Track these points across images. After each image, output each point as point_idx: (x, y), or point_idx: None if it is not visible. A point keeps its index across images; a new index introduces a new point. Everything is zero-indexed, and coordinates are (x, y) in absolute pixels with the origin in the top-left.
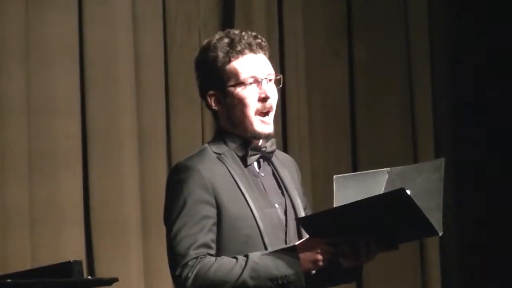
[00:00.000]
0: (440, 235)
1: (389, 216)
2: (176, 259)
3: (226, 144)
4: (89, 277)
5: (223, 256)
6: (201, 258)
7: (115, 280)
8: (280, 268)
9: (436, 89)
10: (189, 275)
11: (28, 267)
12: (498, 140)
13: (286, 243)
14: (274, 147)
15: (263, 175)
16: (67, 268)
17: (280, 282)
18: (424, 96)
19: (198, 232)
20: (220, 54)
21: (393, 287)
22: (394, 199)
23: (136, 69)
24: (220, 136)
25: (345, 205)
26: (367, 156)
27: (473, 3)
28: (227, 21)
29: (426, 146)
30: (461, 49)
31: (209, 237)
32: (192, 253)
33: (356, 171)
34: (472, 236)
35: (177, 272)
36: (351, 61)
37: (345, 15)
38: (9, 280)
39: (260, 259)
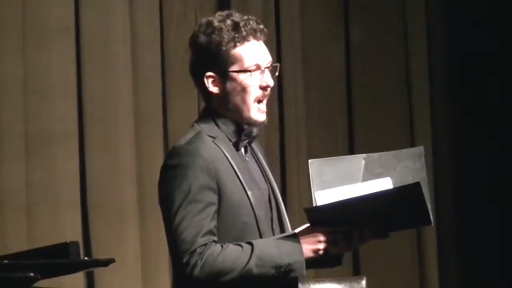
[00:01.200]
0: (432, 225)
1: (397, 208)
2: (183, 246)
3: (218, 127)
4: (86, 258)
5: (228, 244)
6: (208, 246)
7: (112, 261)
8: (283, 256)
9: (433, 72)
10: (198, 262)
11: (25, 248)
12: (498, 123)
13: (272, 229)
14: (257, 132)
15: (248, 159)
16: (64, 249)
17: (283, 270)
18: (421, 79)
19: (204, 219)
20: (225, 38)
21: (391, 283)
22: (409, 192)
23: (132, 50)
24: (211, 118)
25: (359, 197)
26: (363, 138)
27: None
28: (223, 3)
29: (423, 128)
30: (459, 31)
31: (213, 224)
32: (200, 240)
33: (353, 153)
34: (471, 231)
35: (185, 259)
36: (348, 44)
37: None
38: (6, 261)
39: (264, 247)
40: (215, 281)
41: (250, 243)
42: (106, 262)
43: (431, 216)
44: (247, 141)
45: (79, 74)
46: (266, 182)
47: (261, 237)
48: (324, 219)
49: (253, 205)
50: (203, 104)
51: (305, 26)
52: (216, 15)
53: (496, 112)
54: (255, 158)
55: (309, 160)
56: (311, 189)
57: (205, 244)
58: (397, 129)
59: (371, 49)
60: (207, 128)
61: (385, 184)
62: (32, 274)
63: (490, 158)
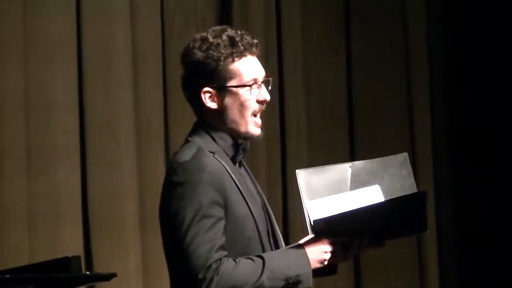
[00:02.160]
0: (427, 232)
1: (401, 216)
2: (198, 262)
3: (215, 142)
4: (88, 272)
5: (240, 258)
6: (222, 261)
7: (113, 275)
8: (292, 268)
9: (433, 83)
10: (215, 277)
11: (26, 262)
12: (498, 127)
13: (270, 243)
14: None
15: (242, 173)
16: (65, 263)
17: (292, 281)
18: (421, 91)
19: (216, 233)
20: (223, 53)
21: (391, 285)
22: (415, 200)
23: (134, 64)
24: (206, 133)
25: (367, 206)
26: (364, 150)
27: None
28: (224, 16)
29: (424, 139)
30: (460, 43)
31: (224, 239)
32: (215, 255)
33: None
34: (471, 232)
35: (201, 275)
36: (349, 56)
37: (343, 10)
38: (7, 276)
39: (274, 260)
40: None
41: (261, 257)
42: (108, 277)
43: (426, 223)
44: (242, 155)
45: (80, 87)
46: (259, 195)
47: (263, 251)
48: (329, 229)
49: (256, 219)
50: None
51: (306, 37)
52: (210, 30)
53: (496, 117)
54: (247, 171)
55: (297, 170)
56: (301, 200)
57: (220, 259)
58: (398, 140)
59: (372, 61)
60: (204, 143)
61: (374, 191)
62: None
63: (490, 160)
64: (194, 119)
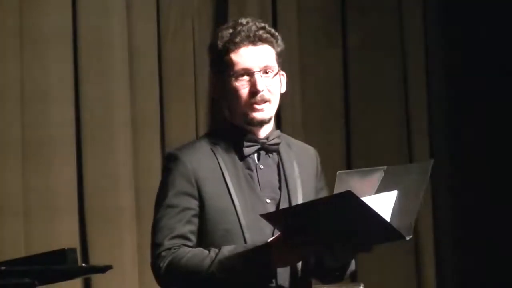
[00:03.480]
0: (408, 239)
1: (347, 218)
2: (152, 249)
3: (225, 134)
4: (84, 264)
5: (198, 248)
6: (174, 249)
7: (109, 267)
8: (249, 264)
9: (430, 76)
10: (161, 265)
11: (22, 255)
12: (498, 125)
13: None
14: (278, 140)
15: (262, 167)
16: (61, 255)
17: (247, 277)
18: (418, 84)
19: (176, 223)
20: (220, 44)
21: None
22: (344, 201)
23: (129, 58)
24: (221, 126)
25: (300, 204)
26: (361, 144)
27: None
28: (221, 10)
29: (420, 134)
30: (456, 36)
31: (187, 228)
32: (167, 243)
33: (350, 159)
34: (468, 237)
35: (152, 262)
36: (345, 49)
37: (339, 3)
38: (3, 268)
39: (230, 254)
40: (181, 284)
41: (219, 248)
42: (104, 269)
43: (404, 230)
44: (256, 147)
45: (76, 80)
46: (280, 191)
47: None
48: (288, 226)
49: (239, 212)
50: (200, 112)
51: (302, 31)
52: (229, 21)
53: (496, 115)
54: (279, 165)
55: (338, 172)
56: None
57: (170, 248)
58: (394, 135)
59: (368, 54)
60: (213, 135)
61: (391, 197)
62: (29, 280)
63: (490, 160)
64: (189, 112)
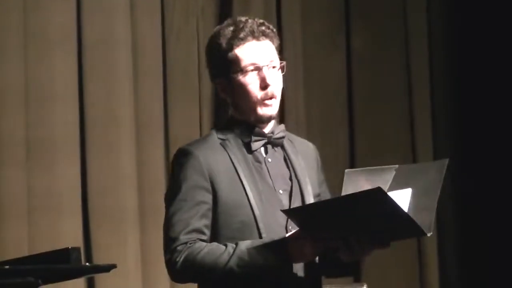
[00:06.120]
0: (429, 235)
1: (372, 214)
2: (167, 243)
3: (232, 130)
4: (87, 263)
5: (214, 243)
6: (190, 244)
7: (113, 266)
8: (268, 259)
9: (434, 79)
10: (178, 259)
11: (26, 254)
12: (499, 126)
13: (287, 230)
14: (282, 133)
15: (270, 160)
16: (65, 254)
17: (265, 270)
18: (422, 86)
19: (191, 217)
20: (223, 42)
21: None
22: (373, 198)
23: (134, 57)
24: (228, 123)
25: (326, 200)
26: (365, 145)
27: None
28: (225, 9)
29: (424, 135)
30: (460, 39)
31: (202, 222)
32: (182, 238)
33: (354, 160)
34: (472, 236)
35: (167, 257)
36: (349, 52)
37: (343, 5)
38: (6, 267)
39: (248, 249)
40: (197, 279)
41: (237, 243)
42: (107, 268)
43: (426, 226)
44: (264, 141)
45: (80, 80)
46: (291, 182)
47: (261, 237)
48: (308, 221)
49: (253, 204)
50: (204, 111)
51: (306, 33)
52: (226, 21)
53: (501, 117)
54: (286, 159)
55: (346, 170)
56: None
57: (186, 243)
58: (398, 137)
59: (372, 57)
60: (221, 130)
61: (405, 194)
62: (32, 279)
63: (494, 161)
64: (193, 111)
